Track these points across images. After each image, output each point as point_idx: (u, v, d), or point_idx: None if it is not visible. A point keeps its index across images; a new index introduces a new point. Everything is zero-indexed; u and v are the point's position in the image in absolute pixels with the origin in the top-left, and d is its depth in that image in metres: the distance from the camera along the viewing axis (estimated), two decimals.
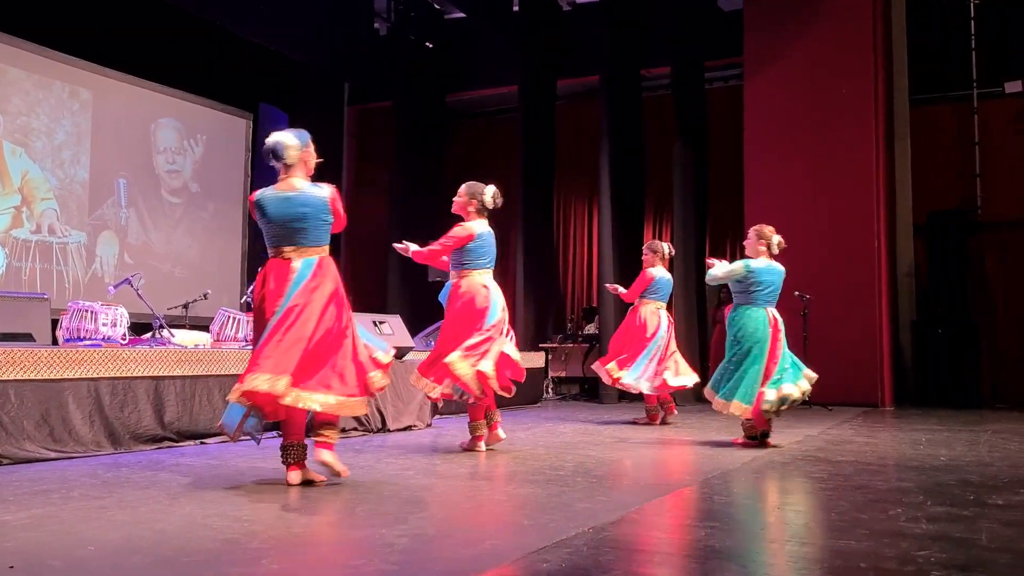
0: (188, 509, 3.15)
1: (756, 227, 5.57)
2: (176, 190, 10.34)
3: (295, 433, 3.80)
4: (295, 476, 3.75)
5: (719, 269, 5.46)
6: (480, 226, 5.02)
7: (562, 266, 12.42)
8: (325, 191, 3.87)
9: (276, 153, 3.85)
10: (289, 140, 3.87)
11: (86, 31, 9.15)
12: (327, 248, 3.90)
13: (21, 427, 4.35)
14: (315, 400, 3.64)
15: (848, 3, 9.19)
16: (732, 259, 11.44)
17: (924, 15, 10.07)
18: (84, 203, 9.30)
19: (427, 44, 11.63)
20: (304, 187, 3.85)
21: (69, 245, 9.12)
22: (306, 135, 3.96)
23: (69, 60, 9.13)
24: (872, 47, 9.11)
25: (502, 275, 12.63)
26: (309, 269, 3.78)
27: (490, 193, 5.08)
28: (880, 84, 9.19)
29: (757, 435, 5.27)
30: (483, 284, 4.95)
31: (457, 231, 4.99)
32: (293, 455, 3.78)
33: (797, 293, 8.24)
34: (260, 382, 3.57)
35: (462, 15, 11.71)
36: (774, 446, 5.20)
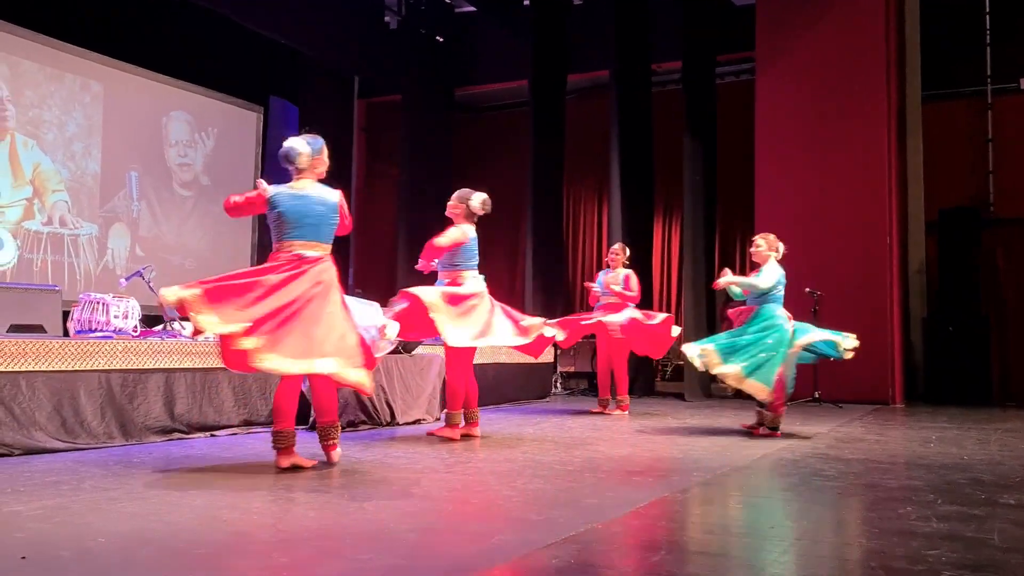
0: (198, 501, 3.16)
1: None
2: (187, 183, 10.37)
3: (288, 420, 3.98)
4: (285, 461, 3.94)
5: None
6: (471, 230, 5.35)
7: (571, 261, 12.40)
8: (335, 195, 4.13)
9: (288, 157, 4.09)
10: (302, 147, 4.09)
11: (98, 24, 9.18)
12: (330, 247, 4.12)
13: (33, 418, 4.37)
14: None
15: None
16: (743, 254, 11.43)
17: (938, 10, 9.99)
18: (95, 195, 9.33)
19: (437, 38, 11.61)
20: (316, 189, 4.11)
21: (81, 237, 9.15)
22: (319, 143, 4.16)
23: (81, 53, 9.15)
24: (885, 42, 9.05)
25: (512, 270, 12.64)
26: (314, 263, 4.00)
27: (478, 200, 5.34)
28: (892, 79, 9.14)
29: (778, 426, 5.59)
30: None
31: (453, 233, 5.26)
32: (284, 440, 3.96)
33: (808, 290, 8.21)
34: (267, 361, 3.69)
35: (472, 9, 11.68)
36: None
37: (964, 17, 10.06)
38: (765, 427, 5.63)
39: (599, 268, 12.16)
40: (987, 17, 9.93)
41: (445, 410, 5.46)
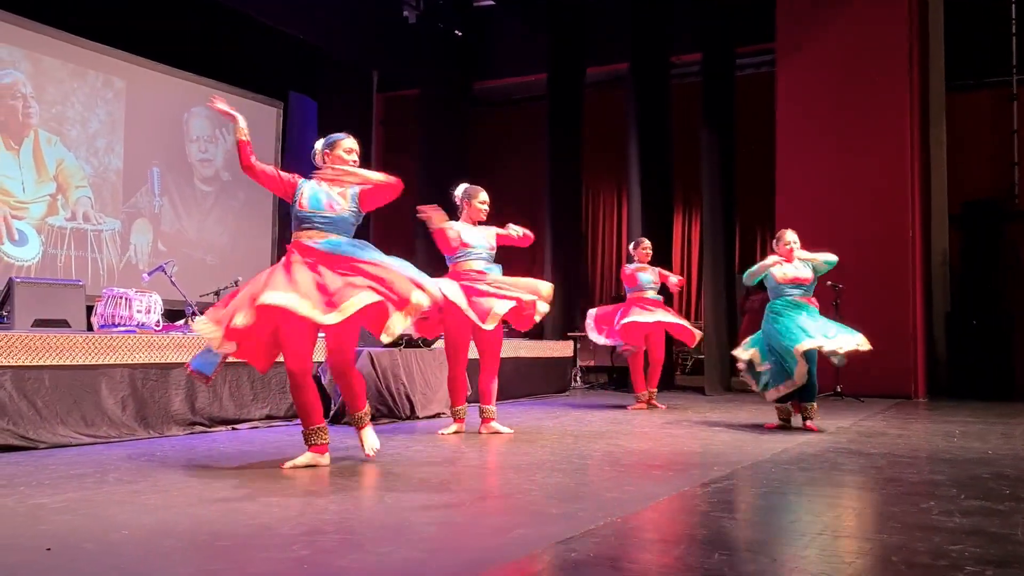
0: (221, 494, 3.19)
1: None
2: (208, 179, 10.44)
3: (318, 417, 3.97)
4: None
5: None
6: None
7: (590, 254, 12.38)
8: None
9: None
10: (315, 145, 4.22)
11: (119, 21, 9.26)
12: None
13: (56, 412, 4.42)
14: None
15: None
16: (763, 247, 11.36)
17: None
18: (118, 191, 9.42)
19: (455, 32, 11.61)
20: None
21: (103, 232, 9.24)
22: (329, 138, 4.21)
23: (103, 49, 9.23)
24: (907, 32, 8.94)
25: (530, 264, 12.65)
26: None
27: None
28: (915, 70, 9.03)
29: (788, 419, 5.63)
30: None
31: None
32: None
33: (829, 283, 8.14)
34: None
35: (490, 3, 11.68)
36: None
37: (989, 6, 9.91)
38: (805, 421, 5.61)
39: (618, 261, 12.13)
40: (1013, 6, 9.79)
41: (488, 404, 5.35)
